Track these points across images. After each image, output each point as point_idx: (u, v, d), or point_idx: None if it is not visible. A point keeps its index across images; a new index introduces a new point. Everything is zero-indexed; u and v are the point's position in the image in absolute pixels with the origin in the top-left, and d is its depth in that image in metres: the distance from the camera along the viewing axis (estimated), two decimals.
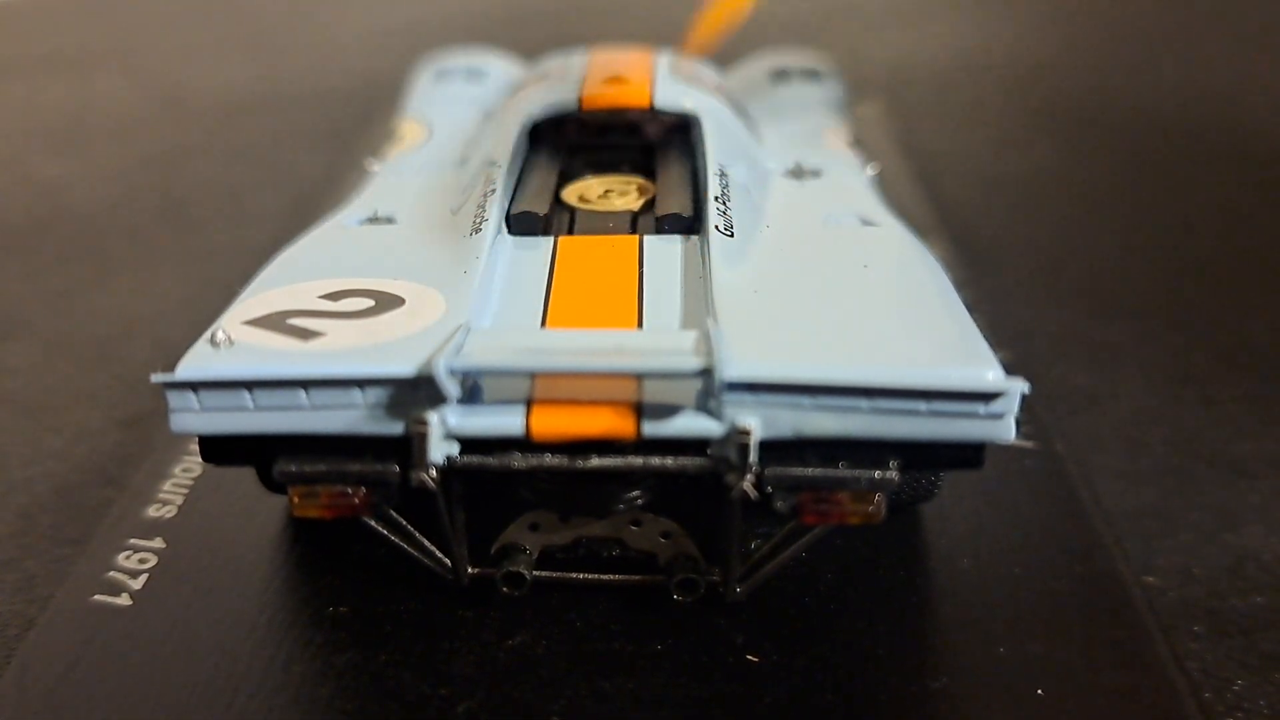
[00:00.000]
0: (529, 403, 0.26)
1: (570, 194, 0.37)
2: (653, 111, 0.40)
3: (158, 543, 0.33)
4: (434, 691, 0.28)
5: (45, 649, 0.30)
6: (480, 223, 0.33)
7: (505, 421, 0.26)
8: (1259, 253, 0.54)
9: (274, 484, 0.30)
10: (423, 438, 0.26)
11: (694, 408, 0.26)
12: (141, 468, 0.37)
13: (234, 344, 0.27)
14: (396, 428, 0.26)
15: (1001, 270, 0.52)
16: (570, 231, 0.34)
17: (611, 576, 0.31)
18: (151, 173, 0.68)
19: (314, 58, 0.91)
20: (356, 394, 0.26)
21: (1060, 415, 0.41)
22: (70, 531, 0.37)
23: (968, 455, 0.27)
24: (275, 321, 0.28)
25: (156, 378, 0.27)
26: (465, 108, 0.47)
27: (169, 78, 0.87)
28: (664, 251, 0.32)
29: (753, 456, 0.26)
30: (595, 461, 0.27)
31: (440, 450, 0.26)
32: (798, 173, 0.38)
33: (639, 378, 0.26)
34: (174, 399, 0.27)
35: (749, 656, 0.29)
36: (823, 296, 0.29)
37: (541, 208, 0.35)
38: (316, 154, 0.69)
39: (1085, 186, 0.62)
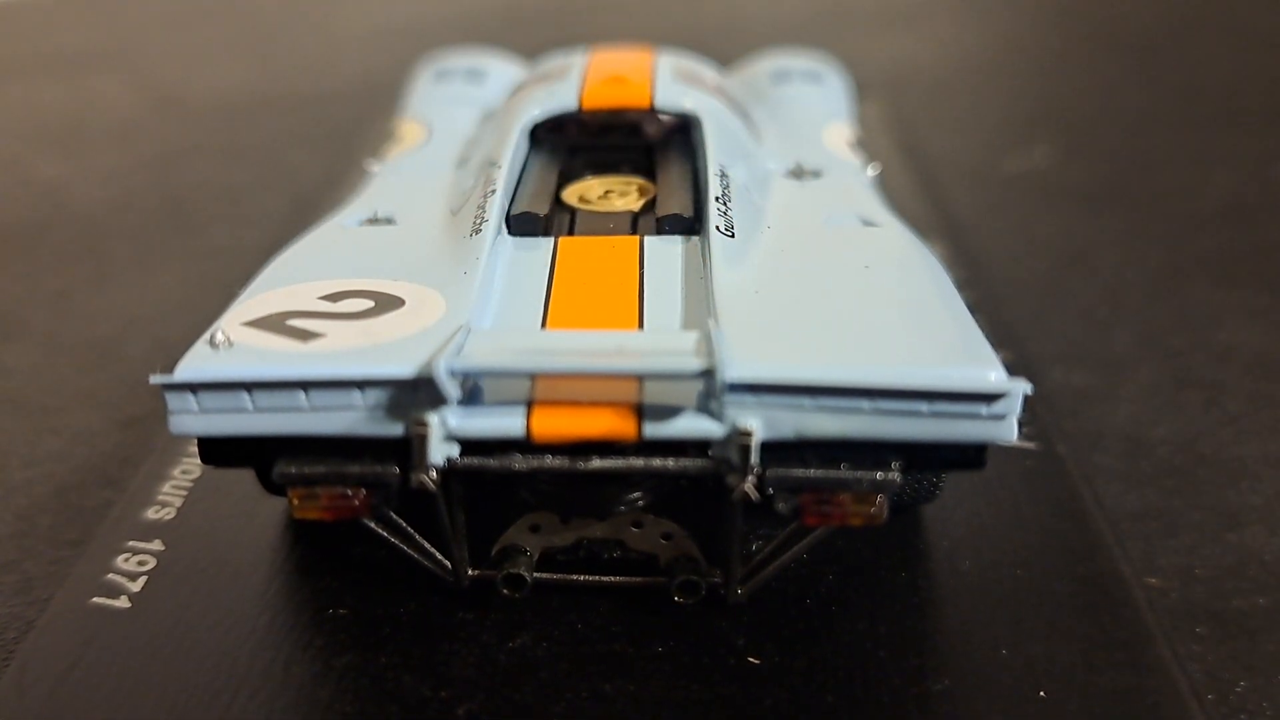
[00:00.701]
0: (529, 404, 0.26)
1: (570, 194, 0.37)
2: (653, 112, 0.40)
3: (157, 545, 0.33)
4: (434, 693, 0.28)
5: (44, 651, 0.29)
6: (480, 223, 0.33)
7: (506, 423, 0.26)
8: (1259, 252, 0.54)
9: (273, 486, 0.30)
10: (423, 439, 0.26)
11: (695, 409, 0.26)
12: (141, 469, 0.37)
13: (233, 345, 0.27)
14: (396, 429, 0.26)
15: (1002, 270, 0.52)
16: (570, 232, 0.34)
17: (612, 578, 0.31)
18: (151, 173, 0.68)
19: (314, 58, 0.91)
20: (356, 395, 0.26)
21: (1062, 416, 0.41)
22: (69, 533, 0.37)
23: (970, 456, 0.27)
24: (274, 322, 0.28)
25: (155, 379, 0.27)
26: (465, 108, 0.46)
27: (169, 78, 0.87)
28: (664, 252, 0.32)
29: (754, 458, 0.26)
30: (596, 463, 0.27)
31: (440, 452, 0.26)
32: (798, 173, 0.38)
33: (640, 379, 0.26)
34: (173, 400, 0.27)
35: (750, 658, 0.29)
36: (824, 297, 0.29)
37: (542, 208, 0.35)
38: (316, 155, 0.68)
39: (1085, 186, 0.62)
